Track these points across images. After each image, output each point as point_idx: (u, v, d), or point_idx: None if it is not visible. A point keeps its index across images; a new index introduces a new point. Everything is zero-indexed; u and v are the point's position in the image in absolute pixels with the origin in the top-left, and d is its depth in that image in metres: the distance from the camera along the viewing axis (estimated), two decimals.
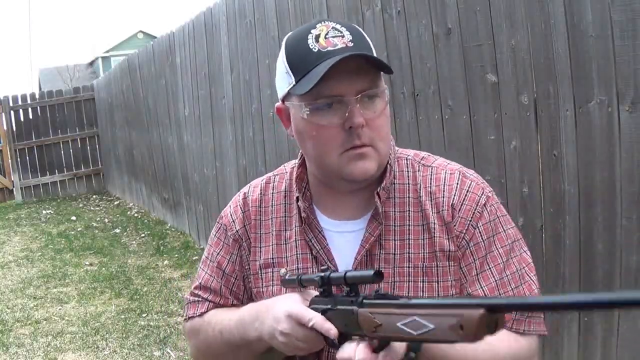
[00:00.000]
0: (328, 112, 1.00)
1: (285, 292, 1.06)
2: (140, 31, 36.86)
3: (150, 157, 7.61)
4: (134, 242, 6.54)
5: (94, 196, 10.04)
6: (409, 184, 1.09)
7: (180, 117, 6.21)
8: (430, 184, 1.09)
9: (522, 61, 2.27)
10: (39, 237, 7.18)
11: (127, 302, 4.44)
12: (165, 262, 5.56)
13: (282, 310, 0.96)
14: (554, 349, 2.33)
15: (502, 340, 1.01)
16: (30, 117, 10.12)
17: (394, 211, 1.07)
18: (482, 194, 1.09)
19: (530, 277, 1.11)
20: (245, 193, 1.19)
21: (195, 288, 1.21)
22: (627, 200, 1.96)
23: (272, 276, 1.12)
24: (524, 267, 1.11)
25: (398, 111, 3.01)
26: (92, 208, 9.07)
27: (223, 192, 5.25)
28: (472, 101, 2.55)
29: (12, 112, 10.02)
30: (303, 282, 0.98)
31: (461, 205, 1.06)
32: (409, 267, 1.05)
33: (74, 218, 8.24)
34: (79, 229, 7.48)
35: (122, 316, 4.16)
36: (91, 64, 38.36)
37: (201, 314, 1.18)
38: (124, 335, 3.81)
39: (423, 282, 1.05)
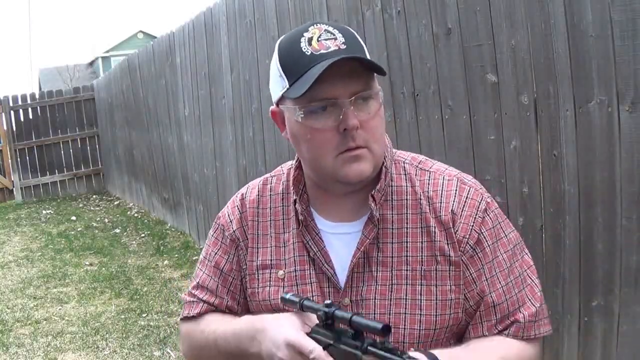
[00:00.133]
0: (322, 115, 0.99)
1: (284, 309, 1.04)
2: (140, 31, 36.87)
3: (150, 157, 7.61)
4: (134, 242, 6.55)
5: (94, 196, 10.04)
6: (407, 186, 1.09)
7: (180, 117, 6.21)
8: (428, 189, 1.08)
9: (522, 61, 2.27)
10: (39, 237, 7.19)
11: (127, 302, 4.44)
12: (165, 262, 5.56)
13: (282, 337, 0.95)
14: (554, 349, 2.33)
15: (506, 346, 1.03)
16: (30, 117, 10.12)
17: (392, 214, 1.07)
18: (481, 200, 1.09)
19: (532, 280, 1.12)
20: (243, 194, 1.19)
21: (193, 288, 1.21)
22: (627, 200, 1.96)
23: (270, 277, 1.12)
24: (525, 271, 1.12)
25: (398, 111, 3.01)
26: (92, 208, 9.08)
27: (223, 192, 5.25)
28: (472, 101, 2.55)
29: (12, 112, 10.02)
30: (305, 307, 0.97)
31: (462, 211, 1.06)
32: (407, 270, 1.05)
33: (74, 218, 8.24)
34: (79, 229, 7.48)
35: (122, 316, 4.16)
36: (91, 64, 38.37)
37: (196, 315, 1.18)
38: (124, 335, 3.81)
39: (421, 285, 1.05)
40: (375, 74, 1.03)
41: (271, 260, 1.12)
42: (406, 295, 1.04)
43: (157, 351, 3.53)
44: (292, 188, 1.11)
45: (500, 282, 1.06)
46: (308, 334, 0.95)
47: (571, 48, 2.07)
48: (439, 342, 1.06)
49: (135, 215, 8.09)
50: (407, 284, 1.05)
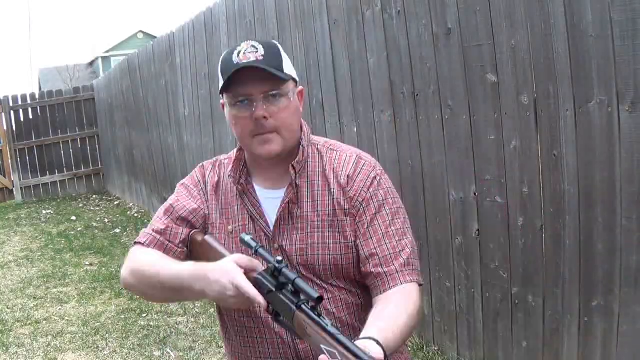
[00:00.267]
0: (242, 107, 1.34)
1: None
2: (140, 31, 36.84)
3: (150, 157, 7.61)
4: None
5: (94, 196, 10.03)
6: (318, 161, 1.43)
7: (180, 117, 6.21)
8: (334, 162, 1.42)
9: (522, 61, 2.27)
10: (39, 237, 7.18)
11: (127, 302, 4.44)
12: None
13: (229, 279, 1.19)
14: (554, 349, 2.33)
15: (404, 298, 1.29)
16: (30, 117, 10.11)
17: (307, 182, 1.41)
18: (372, 170, 1.42)
19: (410, 235, 1.41)
20: (203, 167, 1.52)
21: (151, 228, 1.46)
22: (627, 200, 1.96)
23: (222, 229, 1.43)
24: (406, 227, 1.41)
25: (398, 111, 3.01)
26: (92, 208, 9.07)
27: None
28: (472, 101, 2.55)
29: (12, 112, 10.01)
30: (258, 254, 1.23)
31: (356, 176, 1.40)
32: (318, 220, 1.38)
33: (74, 218, 8.24)
34: (79, 229, 7.47)
35: (122, 316, 4.16)
36: (91, 64, 38.35)
37: (146, 244, 1.43)
38: (124, 335, 3.81)
39: (329, 232, 1.37)
40: (291, 79, 1.35)
41: (222, 217, 1.44)
42: (318, 240, 1.37)
43: (157, 351, 3.53)
44: (233, 166, 1.44)
45: (381, 230, 1.37)
46: (255, 277, 1.21)
47: (571, 48, 2.07)
48: (349, 276, 1.38)
49: (135, 215, 8.09)
50: (319, 232, 1.37)
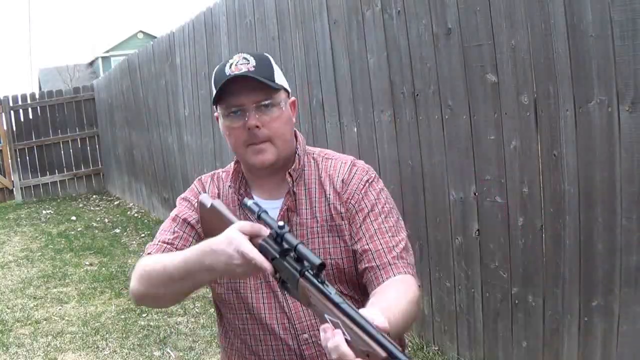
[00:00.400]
0: (235, 117, 1.36)
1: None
2: (140, 31, 36.83)
3: (150, 157, 7.61)
4: (134, 242, 6.54)
5: (94, 196, 10.03)
6: (313, 170, 1.46)
7: (180, 117, 6.21)
8: (329, 169, 1.45)
9: (522, 61, 2.27)
10: (39, 237, 7.18)
11: (127, 302, 4.44)
12: None
13: (235, 247, 1.17)
14: (554, 349, 2.33)
15: (402, 285, 1.28)
16: (30, 117, 10.11)
17: (304, 189, 1.43)
18: (365, 174, 1.44)
19: (403, 234, 1.40)
20: (202, 181, 1.52)
21: (158, 239, 1.45)
22: (627, 200, 1.96)
23: None
24: (400, 226, 1.40)
25: (398, 111, 3.01)
26: (92, 208, 9.07)
27: None
28: (472, 101, 2.55)
29: (12, 112, 10.00)
30: (261, 219, 1.22)
31: (350, 181, 1.42)
32: (317, 226, 1.40)
33: (74, 218, 8.24)
34: (79, 229, 7.47)
35: (122, 316, 4.16)
36: (91, 64, 38.34)
37: (152, 253, 1.42)
38: (124, 335, 3.81)
39: (328, 237, 1.39)
40: (282, 89, 1.37)
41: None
42: (318, 246, 1.38)
43: (157, 351, 3.53)
44: (231, 177, 1.46)
45: (373, 227, 1.38)
46: (260, 243, 1.19)
47: (571, 48, 2.07)
48: (352, 280, 1.39)
49: (135, 215, 8.09)
50: (318, 237, 1.39)
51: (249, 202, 1.26)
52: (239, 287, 1.41)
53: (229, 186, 1.46)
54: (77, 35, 70.76)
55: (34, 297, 4.78)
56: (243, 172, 1.46)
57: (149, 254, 1.42)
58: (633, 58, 1.87)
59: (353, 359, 0.97)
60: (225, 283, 1.43)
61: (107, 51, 36.40)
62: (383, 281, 1.31)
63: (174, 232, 1.43)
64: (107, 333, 3.87)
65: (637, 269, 1.96)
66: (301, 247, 1.12)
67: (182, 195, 1.52)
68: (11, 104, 9.95)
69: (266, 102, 1.35)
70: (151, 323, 3.98)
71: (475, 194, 2.61)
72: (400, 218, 1.43)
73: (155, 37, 7.70)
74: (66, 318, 4.23)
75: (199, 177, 1.54)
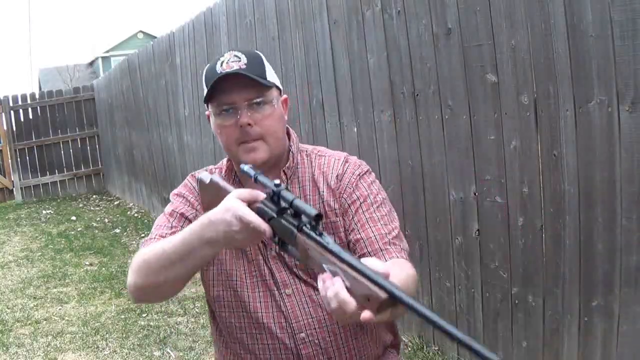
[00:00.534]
0: (227, 116, 1.35)
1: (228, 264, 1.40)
2: (140, 31, 36.84)
3: (150, 157, 7.61)
4: (134, 242, 6.54)
5: (94, 196, 10.03)
6: (307, 168, 1.46)
7: (180, 117, 6.21)
8: (322, 166, 1.45)
9: (522, 61, 2.27)
10: (39, 237, 7.18)
11: (127, 302, 4.44)
12: None
13: (232, 213, 1.16)
14: (554, 349, 2.33)
15: (398, 263, 1.28)
16: (30, 117, 10.10)
17: (298, 187, 1.43)
18: (358, 168, 1.44)
19: (396, 223, 1.40)
20: (195, 177, 1.49)
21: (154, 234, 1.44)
22: (627, 200, 1.96)
23: None
24: (392, 216, 1.40)
25: (398, 111, 3.01)
26: (92, 208, 9.07)
27: None
28: (472, 101, 2.55)
29: (12, 112, 10.00)
30: (257, 181, 1.22)
31: (343, 174, 1.42)
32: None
33: (74, 218, 8.24)
34: (79, 229, 7.47)
35: (122, 316, 4.16)
36: (91, 64, 38.35)
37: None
38: (124, 335, 3.81)
39: None
40: (274, 87, 1.38)
41: None
42: None
43: (157, 351, 3.53)
44: (224, 174, 1.46)
45: (365, 215, 1.38)
46: (257, 206, 1.18)
47: (571, 48, 2.07)
48: None
49: (135, 215, 8.09)
50: None
51: (245, 167, 1.27)
52: (235, 285, 1.40)
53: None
54: (77, 35, 70.77)
55: (34, 297, 4.78)
56: (235, 170, 1.46)
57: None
58: (633, 58, 1.87)
59: (353, 304, 0.96)
60: (222, 282, 1.42)
61: (107, 51, 36.41)
62: None
63: (171, 227, 1.41)
64: (107, 333, 3.87)
65: (637, 269, 1.96)
66: (297, 201, 1.11)
67: (176, 191, 1.51)
68: (11, 104, 9.95)
69: (258, 100, 1.34)
70: (151, 323, 3.98)
71: (475, 194, 2.61)
72: (393, 210, 1.43)
73: (155, 37, 7.70)
74: (66, 318, 4.23)
75: (192, 173, 1.54)
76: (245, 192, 1.20)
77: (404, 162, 3.01)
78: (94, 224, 7.71)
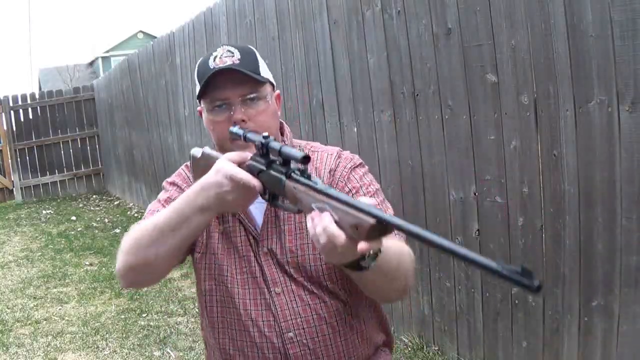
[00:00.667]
0: (220, 111, 1.34)
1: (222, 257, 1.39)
2: (140, 31, 36.85)
3: (150, 157, 7.62)
4: None
5: (94, 196, 10.03)
6: None
7: (180, 117, 6.21)
8: (316, 162, 1.43)
9: (522, 61, 2.27)
10: (39, 237, 7.18)
11: (127, 302, 4.44)
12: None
13: (223, 173, 1.18)
14: (554, 349, 2.33)
15: (394, 241, 1.26)
16: (30, 117, 10.11)
17: None
18: (350, 162, 1.42)
19: (390, 210, 1.37)
20: (188, 166, 1.47)
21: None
22: (627, 200, 1.96)
23: (215, 228, 1.41)
24: (386, 205, 1.39)
25: (398, 111, 3.01)
26: (92, 208, 9.07)
27: None
28: (472, 101, 2.55)
29: (12, 112, 10.00)
30: (247, 139, 1.24)
31: (336, 167, 1.41)
32: (305, 220, 1.30)
33: (74, 218, 8.24)
34: (79, 229, 7.47)
35: (122, 316, 4.16)
36: (91, 64, 38.35)
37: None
38: (124, 335, 3.81)
39: None
40: (268, 82, 1.35)
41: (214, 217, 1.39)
42: (307, 241, 1.35)
43: (157, 351, 3.53)
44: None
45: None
46: (247, 164, 1.20)
47: (571, 48, 2.07)
48: (342, 275, 1.34)
49: (135, 215, 8.09)
50: (306, 231, 1.28)
51: (234, 128, 1.28)
52: (226, 280, 1.38)
53: None
54: (77, 35, 70.76)
55: (34, 297, 4.78)
56: None
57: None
58: (633, 58, 1.87)
59: (342, 237, 0.98)
60: (214, 276, 1.40)
61: (107, 51, 36.41)
62: None
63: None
64: (107, 333, 3.87)
65: (637, 269, 1.96)
66: (285, 148, 1.13)
67: (170, 180, 1.50)
68: (11, 104, 9.95)
69: (252, 96, 1.33)
70: (151, 323, 3.98)
71: (475, 194, 2.61)
72: (387, 201, 1.42)
73: (155, 37, 7.70)
74: (66, 318, 4.23)
75: (186, 164, 1.52)
76: (234, 154, 1.23)
77: (404, 162, 3.01)
78: (94, 224, 7.71)
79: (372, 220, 0.94)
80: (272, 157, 1.17)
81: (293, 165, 1.13)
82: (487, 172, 2.53)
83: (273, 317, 1.36)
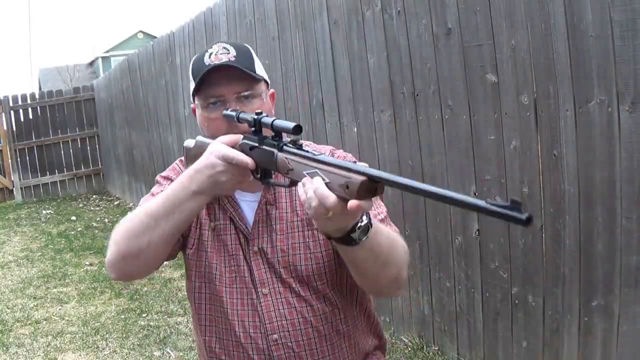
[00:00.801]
0: (215, 108, 1.32)
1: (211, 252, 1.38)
2: (140, 31, 36.85)
3: (150, 157, 7.62)
4: None
5: (94, 196, 10.03)
6: None
7: (180, 117, 6.21)
8: None
9: (522, 61, 2.27)
10: (39, 237, 7.18)
11: (127, 302, 4.44)
12: (165, 262, 5.56)
13: (215, 155, 1.19)
14: (554, 349, 2.33)
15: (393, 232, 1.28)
16: (30, 117, 10.10)
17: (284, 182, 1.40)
18: (344, 158, 1.38)
19: (384, 209, 1.37)
20: (183, 161, 1.47)
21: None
22: (627, 200, 1.96)
23: (205, 225, 1.41)
24: (379, 203, 1.37)
25: (398, 111, 3.01)
26: (92, 208, 9.07)
27: None
28: (472, 101, 2.55)
29: (12, 112, 10.00)
30: (240, 119, 1.24)
31: None
32: (297, 220, 1.36)
33: (74, 218, 8.24)
34: (79, 229, 7.47)
35: (122, 316, 4.16)
36: (91, 64, 38.35)
37: None
38: (124, 335, 3.81)
39: (308, 230, 1.35)
40: (263, 80, 1.35)
41: (206, 214, 1.41)
42: (298, 240, 1.35)
43: (157, 351, 3.53)
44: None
45: None
46: (240, 143, 1.22)
47: (571, 48, 2.07)
48: (332, 276, 1.35)
49: None
50: (298, 231, 1.35)
51: (227, 111, 1.28)
52: (214, 279, 1.38)
53: None
54: (77, 35, 70.77)
55: (34, 297, 4.78)
56: None
57: None
58: (633, 58, 1.87)
59: (332, 197, 0.99)
60: (204, 273, 1.40)
61: (107, 51, 36.41)
62: None
63: None
64: (107, 333, 3.87)
65: (637, 269, 1.96)
66: (277, 122, 1.15)
67: (164, 174, 1.50)
68: (11, 104, 9.95)
69: (247, 93, 1.32)
70: (151, 323, 3.98)
71: (475, 194, 2.61)
72: (379, 198, 1.39)
73: (155, 37, 7.70)
74: (66, 318, 4.23)
75: (180, 158, 1.52)
76: (227, 137, 1.24)
77: (404, 162, 3.01)
78: (94, 224, 7.71)
79: (361, 178, 0.95)
80: (264, 134, 1.19)
81: (286, 138, 1.14)
82: (487, 172, 2.53)
83: (259, 319, 1.35)
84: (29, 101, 10.08)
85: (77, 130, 10.30)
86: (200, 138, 1.36)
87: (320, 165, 1.03)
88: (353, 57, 3.26)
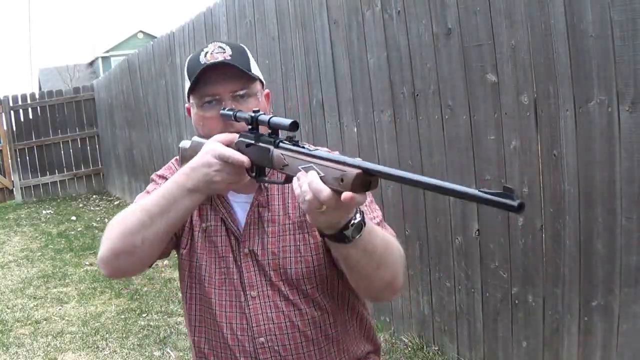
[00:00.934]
0: (210, 107, 1.31)
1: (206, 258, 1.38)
2: (140, 31, 36.84)
3: (150, 157, 7.62)
4: None
5: (94, 196, 10.03)
6: None
7: (180, 117, 6.21)
8: None
9: (522, 61, 2.27)
10: (39, 237, 7.18)
11: (127, 302, 4.44)
12: (165, 262, 5.56)
13: (210, 154, 1.20)
14: (554, 349, 2.33)
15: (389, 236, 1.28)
16: (30, 117, 10.10)
17: (277, 186, 1.39)
18: None
19: (379, 212, 1.38)
20: (177, 161, 1.47)
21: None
22: (627, 200, 1.96)
23: (197, 226, 1.40)
24: (374, 206, 1.38)
25: (398, 111, 3.01)
26: (92, 208, 9.07)
27: None
28: (472, 101, 2.55)
29: (12, 112, 10.00)
30: (237, 117, 1.25)
31: None
32: (289, 222, 1.35)
33: (74, 218, 8.24)
34: (79, 229, 7.47)
35: (122, 316, 4.16)
36: (91, 64, 38.35)
37: None
38: (124, 335, 3.81)
39: (299, 234, 1.34)
40: (258, 80, 1.35)
41: (197, 213, 1.41)
42: (289, 243, 1.34)
43: (157, 351, 3.53)
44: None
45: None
46: (236, 142, 1.23)
47: (571, 48, 2.07)
48: (322, 280, 1.34)
49: None
50: (289, 234, 1.35)
51: (224, 110, 1.28)
52: (204, 280, 1.37)
53: None
54: (77, 35, 70.76)
55: (34, 297, 4.78)
56: None
57: None
58: (633, 58, 1.87)
59: (326, 191, 1.00)
60: (195, 274, 1.39)
61: (107, 51, 36.40)
62: None
63: None
64: (107, 333, 3.87)
65: (637, 269, 1.96)
66: (274, 119, 1.16)
67: (159, 173, 1.50)
68: (11, 104, 9.94)
69: (242, 92, 1.32)
70: (151, 323, 3.98)
71: None
72: (374, 202, 1.40)
73: (155, 37, 7.69)
74: (66, 318, 4.23)
75: (176, 157, 1.51)
76: (222, 135, 1.24)
77: (404, 162, 3.01)
78: (94, 224, 7.71)
79: (356, 171, 0.97)
80: (261, 131, 1.20)
81: (282, 134, 1.15)
82: (487, 172, 2.53)
83: (246, 321, 1.35)
84: (29, 101, 10.08)
85: (77, 130, 10.30)
86: (196, 138, 1.36)
87: (315, 160, 1.04)
88: (353, 57, 3.26)
